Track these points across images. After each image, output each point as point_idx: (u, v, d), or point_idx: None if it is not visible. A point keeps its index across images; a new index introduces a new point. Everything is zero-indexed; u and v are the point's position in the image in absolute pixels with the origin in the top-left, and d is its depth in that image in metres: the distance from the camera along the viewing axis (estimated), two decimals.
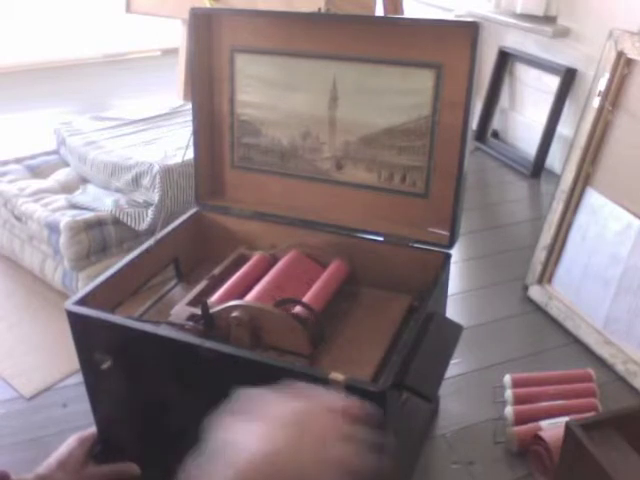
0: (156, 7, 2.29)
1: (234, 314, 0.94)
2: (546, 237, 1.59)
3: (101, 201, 1.60)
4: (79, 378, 1.02)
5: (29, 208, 1.57)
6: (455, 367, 1.35)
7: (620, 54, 1.42)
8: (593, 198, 1.49)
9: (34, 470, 0.95)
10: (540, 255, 1.59)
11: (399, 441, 0.95)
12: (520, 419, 1.18)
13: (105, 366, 0.93)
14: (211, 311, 0.96)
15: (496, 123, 2.56)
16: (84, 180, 1.75)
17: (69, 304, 0.93)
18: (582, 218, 1.52)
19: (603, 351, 1.38)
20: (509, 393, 1.24)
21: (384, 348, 0.99)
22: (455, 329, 0.97)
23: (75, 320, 0.93)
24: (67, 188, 1.72)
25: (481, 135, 2.56)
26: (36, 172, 1.80)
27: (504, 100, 2.52)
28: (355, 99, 1.09)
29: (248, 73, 1.15)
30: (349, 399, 0.64)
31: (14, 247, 1.69)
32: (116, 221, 1.52)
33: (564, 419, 0.99)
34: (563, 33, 2.15)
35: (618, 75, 1.43)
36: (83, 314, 0.92)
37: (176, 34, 2.54)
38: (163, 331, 0.91)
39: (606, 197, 1.45)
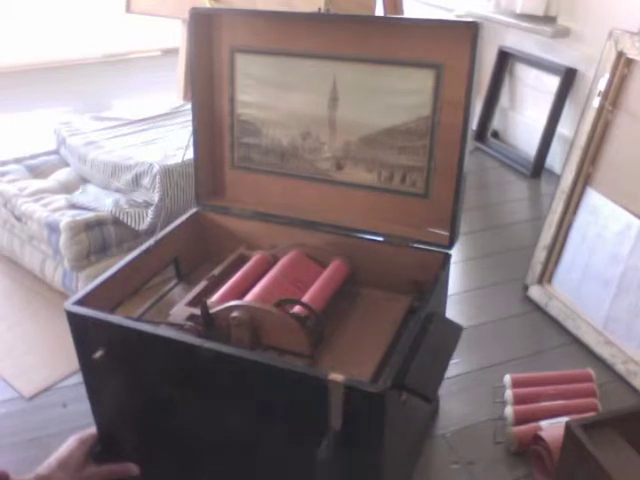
0: (156, 7, 2.29)
1: (234, 314, 0.94)
2: (546, 237, 1.59)
3: (101, 201, 1.60)
4: (79, 378, 1.03)
5: (29, 208, 1.57)
6: (455, 367, 1.35)
7: (620, 54, 1.42)
8: (593, 198, 1.49)
9: (34, 470, 0.96)
10: (540, 255, 1.59)
11: (399, 441, 0.95)
12: (520, 419, 1.18)
13: (98, 355, 0.92)
14: (211, 311, 0.96)
15: (496, 123, 2.56)
16: (84, 180, 1.75)
17: (69, 304, 0.93)
18: (582, 218, 1.52)
19: (603, 351, 1.38)
20: (509, 393, 1.24)
21: (384, 348, 0.99)
22: (455, 329, 0.97)
23: (75, 320, 0.93)
24: (67, 188, 1.72)
25: (481, 135, 2.56)
26: (36, 172, 1.80)
27: (504, 100, 2.52)
28: (355, 99, 1.09)
29: (248, 73, 1.15)
30: None
31: (14, 247, 1.69)
32: (116, 221, 1.52)
33: (564, 419, 0.99)
34: (563, 33, 2.15)
35: (618, 75, 1.43)
36: (83, 314, 0.92)
37: (176, 34, 2.54)
38: (162, 331, 0.91)
39: (606, 197, 1.45)
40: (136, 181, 1.58)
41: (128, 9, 2.35)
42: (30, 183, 1.71)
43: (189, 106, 1.20)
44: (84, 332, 0.93)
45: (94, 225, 1.49)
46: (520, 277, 1.65)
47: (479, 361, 1.38)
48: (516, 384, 1.26)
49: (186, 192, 1.56)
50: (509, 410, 1.20)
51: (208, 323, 0.96)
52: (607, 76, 1.44)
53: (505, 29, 2.42)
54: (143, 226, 1.52)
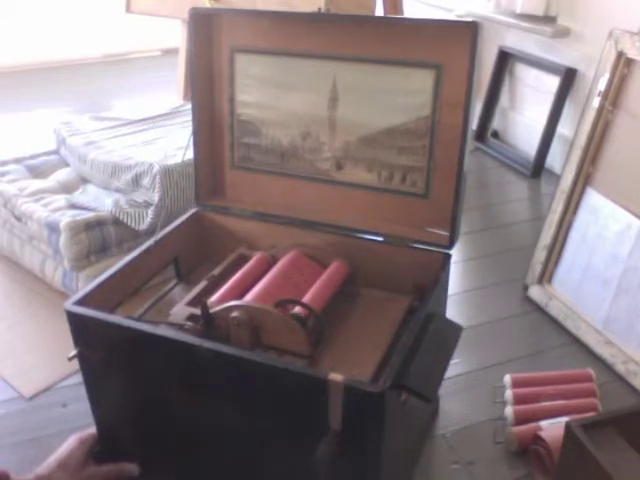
0: (156, 7, 2.29)
1: (234, 314, 0.94)
2: (546, 237, 1.59)
3: (101, 201, 1.60)
4: (79, 378, 1.03)
5: (29, 208, 1.57)
6: (455, 367, 1.35)
7: (620, 54, 1.42)
8: (593, 198, 1.49)
9: (34, 470, 0.96)
10: (540, 255, 1.59)
11: (399, 441, 0.95)
12: (520, 419, 1.18)
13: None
14: (211, 311, 0.96)
15: (496, 123, 2.56)
16: (84, 180, 1.75)
17: (69, 304, 0.93)
18: (582, 218, 1.52)
19: (603, 351, 1.38)
20: (509, 393, 1.24)
21: (384, 348, 0.99)
22: (455, 329, 0.97)
23: (75, 320, 0.93)
24: (67, 188, 1.72)
25: (481, 135, 2.56)
26: (36, 172, 1.80)
27: (504, 100, 2.52)
28: (355, 99, 1.09)
29: (248, 73, 1.15)
30: None
31: (14, 247, 1.69)
32: (116, 221, 1.52)
33: (564, 419, 0.99)
34: (563, 33, 2.15)
35: (618, 75, 1.43)
36: (83, 314, 0.92)
37: (176, 34, 2.54)
38: (162, 331, 0.91)
39: (606, 197, 1.45)
40: (136, 181, 1.58)
41: (128, 9, 2.35)
42: (30, 183, 1.71)
43: (189, 106, 1.20)
44: (84, 332, 0.93)
45: (94, 225, 1.49)
46: (520, 277, 1.65)
47: (479, 361, 1.38)
48: (516, 384, 1.26)
49: (186, 192, 1.56)
50: (509, 410, 1.20)
51: (208, 323, 0.96)
52: (607, 76, 1.44)
53: (505, 29, 2.42)
54: (143, 226, 1.52)
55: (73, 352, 0.94)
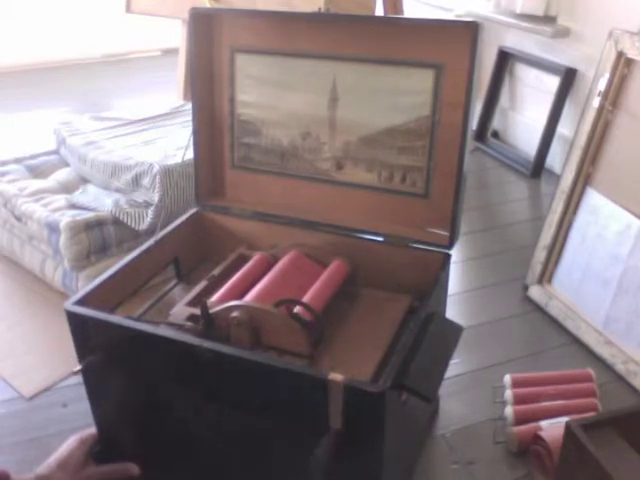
0: (156, 7, 2.30)
1: (234, 314, 0.94)
2: (546, 237, 1.59)
3: (101, 201, 1.60)
4: (79, 378, 1.02)
5: (29, 208, 1.57)
6: (455, 367, 1.35)
7: (620, 54, 1.42)
8: (593, 198, 1.49)
9: (34, 470, 0.96)
10: (540, 255, 1.59)
11: (399, 441, 0.95)
12: (520, 419, 1.18)
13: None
14: (211, 311, 0.96)
15: (496, 123, 2.56)
16: (84, 180, 1.75)
17: (69, 304, 0.93)
18: (582, 218, 1.52)
19: (603, 351, 1.38)
20: (509, 393, 1.24)
21: (384, 348, 0.99)
22: (455, 330, 0.97)
23: (75, 320, 0.93)
24: (67, 188, 1.72)
25: (481, 135, 2.56)
26: (36, 172, 1.80)
27: (504, 100, 2.52)
28: (355, 99, 1.09)
29: (248, 73, 1.15)
30: None
31: (14, 247, 1.69)
32: (116, 221, 1.52)
33: (564, 419, 0.99)
34: (563, 33, 2.15)
35: (618, 75, 1.43)
36: (83, 314, 0.92)
37: (176, 34, 2.54)
38: (162, 331, 0.91)
39: (606, 197, 1.45)
40: (136, 181, 1.58)
41: (128, 9, 2.35)
42: (30, 183, 1.71)
43: (189, 106, 1.20)
44: (84, 332, 0.93)
45: (94, 225, 1.49)
46: (520, 277, 1.65)
47: (479, 361, 1.38)
48: (516, 384, 1.26)
49: (186, 192, 1.56)
50: (509, 410, 1.20)
51: (208, 323, 0.96)
52: (607, 76, 1.44)
53: (505, 29, 2.42)
54: (143, 226, 1.52)
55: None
